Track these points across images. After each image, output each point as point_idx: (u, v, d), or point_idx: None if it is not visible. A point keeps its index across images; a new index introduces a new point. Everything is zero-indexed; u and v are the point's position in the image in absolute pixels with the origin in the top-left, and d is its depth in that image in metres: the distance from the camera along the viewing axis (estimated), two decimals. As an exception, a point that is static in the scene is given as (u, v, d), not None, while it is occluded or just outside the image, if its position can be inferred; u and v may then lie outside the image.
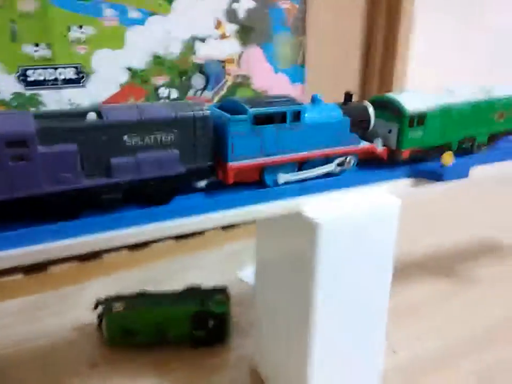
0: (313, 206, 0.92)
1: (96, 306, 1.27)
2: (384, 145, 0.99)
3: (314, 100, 0.96)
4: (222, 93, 1.69)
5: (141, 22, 1.48)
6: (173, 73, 1.57)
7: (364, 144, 0.98)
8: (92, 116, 0.73)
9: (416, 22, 1.98)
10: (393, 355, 1.24)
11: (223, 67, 1.66)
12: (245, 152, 0.87)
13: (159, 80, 1.56)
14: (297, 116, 0.90)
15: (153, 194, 0.81)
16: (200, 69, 1.62)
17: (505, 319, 1.39)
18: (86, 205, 0.76)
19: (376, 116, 0.99)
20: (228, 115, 0.85)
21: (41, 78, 1.39)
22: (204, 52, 1.61)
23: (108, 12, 1.43)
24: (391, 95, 1.01)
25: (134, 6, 1.45)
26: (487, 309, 1.43)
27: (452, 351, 1.27)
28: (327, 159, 0.95)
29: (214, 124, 0.84)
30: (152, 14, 1.49)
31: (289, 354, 1.05)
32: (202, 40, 1.59)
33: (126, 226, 0.79)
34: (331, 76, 1.88)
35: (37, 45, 1.36)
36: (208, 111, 0.84)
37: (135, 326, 1.23)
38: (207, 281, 1.38)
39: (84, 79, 1.44)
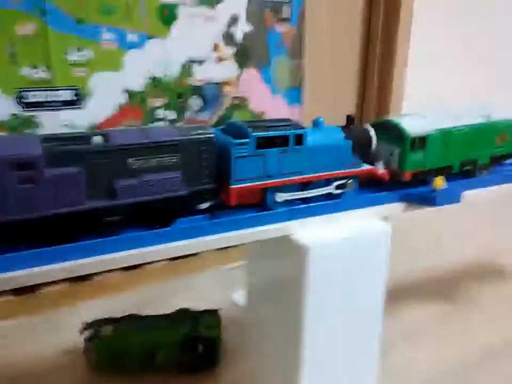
0: (304, 230, 0.93)
1: (83, 330, 1.24)
2: (386, 168, 1.00)
3: (316, 123, 0.98)
4: (220, 114, 1.69)
5: (139, 45, 1.49)
6: (170, 95, 1.58)
7: (365, 167, 0.99)
8: (97, 139, 0.74)
9: (414, 40, 2.01)
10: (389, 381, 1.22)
11: (221, 89, 1.67)
12: (248, 174, 0.87)
13: (157, 102, 1.57)
14: (299, 139, 0.91)
15: (156, 216, 0.82)
16: (198, 91, 1.63)
17: (505, 343, 1.37)
18: (89, 226, 0.76)
19: (378, 139, 1.00)
20: (231, 139, 0.86)
21: (39, 100, 1.39)
22: (201, 74, 1.62)
23: (107, 35, 1.44)
24: (392, 118, 1.02)
25: (132, 29, 1.47)
26: (484, 332, 1.41)
27: (449, 376, 1.25)
28: (329, 181, 0.96)
29: (217, 147, 0.85)
30: (150, 37, 1.50)
31: (278, 379, 1.04)
32: (200, 62, 1.61)
33: (128, 248, 0.79)
34: (329, 97, 1.90)
35: (35, 67, 1.36)
36: (212, 135, 0.85)
37: (123, 350, 1.19)
38: (200, 303, 1.35)
39: (81, 101, 1.45)
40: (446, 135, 1.04)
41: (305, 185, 0.95)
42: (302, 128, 0.92)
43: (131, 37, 1.48)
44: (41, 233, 0.72)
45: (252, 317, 1.15)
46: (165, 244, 0.82)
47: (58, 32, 1.36)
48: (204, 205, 0.87)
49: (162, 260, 1.64)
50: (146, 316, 1.27)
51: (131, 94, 1.52)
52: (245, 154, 0.86)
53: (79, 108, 1.45)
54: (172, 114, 1.59)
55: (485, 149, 1.13)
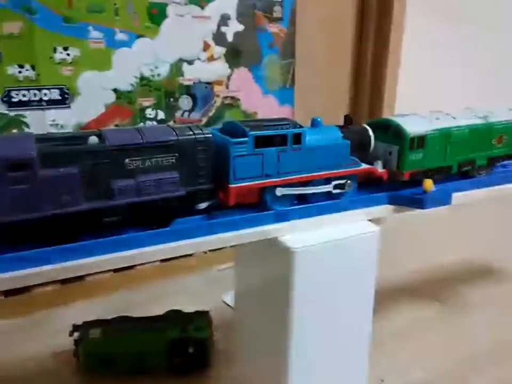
0: (291, 232, 0.92)
1: (72, 332, 1.21)
2: (385, 167, 1.00)
3: (314, 122, 0.97)
4: (210, 114, 1.68)
5: (128, 44, 1.47)
6: (160, 95, 1.56)
7: (364, 166, 0.98)
8: (93, 139, 0.71)
9: (407, 40, 2.02)
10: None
11: (212, 89, 1.66)
12: (247, 174, 0.86)
13: (146, 101, 1.54)
14: (298, 138, 0.90)
15: (153, 217, 0.81)
16: (188, 90, 1.61)
17: (495, 345, 1.37)
18: (86, 227, 0.75)
19: (376, 139, 0.99)
20: (229, 138, 0.85)
21: (26, 98, 1.35)
22: (191, 74, 1.60)
23: (94, 34, 1.41)
24: (391, 118, 1.02)
25: (121, 28, 1.44)
26: (475, 335, 1.41)
27: (440, 377, 1.25)
28: (328, 181, 0.95)
29: (215, 146, 0.84)
30: (139, 36, 1.48)
31: (268, 380, 1.03)
32: (190, 62, 1.59)
33: (126, 249, 0.78)
34: (320, 97, 1.90)
35: (21, 66, 1.33)
36: (210, 134, 0.83)
37: (112, 353, 1.17)
38: (192, 304, 1.33)
39: (68, 100, 1.42)
40: (445, 135, 1.04)
41: (304, 185, 0.93)
42: (301, 127, 0.91)
43: (119, 36, 1.45)
44: (38, 234, 0.71)
45: (241, 319, 1.14)
46: (163, 244, 0.81)
47: (45, 31, 1.34)
48: (202, 205, 0.86)
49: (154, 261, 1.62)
50: (137, 318, 1.25)
51: (119, 94, 1.49)
52: (243, 153, 0.85)
53: (67, 107, 1.42)
54: (161, 114, 1.58)
55: (483, 150, 1.13)
